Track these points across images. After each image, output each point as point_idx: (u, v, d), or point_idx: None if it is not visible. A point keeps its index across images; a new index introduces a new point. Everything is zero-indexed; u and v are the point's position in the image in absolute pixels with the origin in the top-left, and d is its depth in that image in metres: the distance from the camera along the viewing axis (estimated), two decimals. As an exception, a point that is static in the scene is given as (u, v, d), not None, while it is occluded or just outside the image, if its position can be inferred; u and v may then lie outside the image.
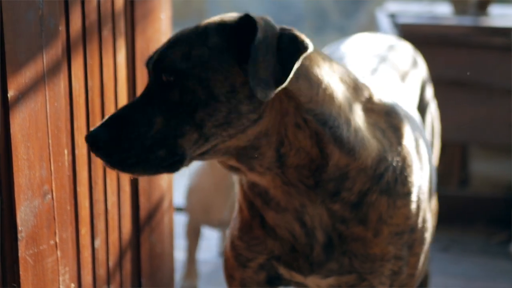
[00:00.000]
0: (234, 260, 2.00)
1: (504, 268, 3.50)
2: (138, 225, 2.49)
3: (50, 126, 1.96)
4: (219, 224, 3.18)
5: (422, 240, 1.99)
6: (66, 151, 2.05)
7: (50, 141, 1.96)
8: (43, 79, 1.92)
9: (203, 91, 1.70)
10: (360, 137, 1.84)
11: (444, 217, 3.40)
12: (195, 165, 3.14)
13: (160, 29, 2.49)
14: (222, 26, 1.75)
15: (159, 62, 1.75)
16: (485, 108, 3.86)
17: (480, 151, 3.99)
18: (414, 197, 1.93)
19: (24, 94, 1.86)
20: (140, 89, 2.38)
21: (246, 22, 1.73)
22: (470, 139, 3.92)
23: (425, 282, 2.64)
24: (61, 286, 2.05)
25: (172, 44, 1.76)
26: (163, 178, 2.58)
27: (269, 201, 1.88)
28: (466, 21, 3.99)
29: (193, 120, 1.70)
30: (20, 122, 1.85)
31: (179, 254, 3.17)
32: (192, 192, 3.20)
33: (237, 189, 2.02)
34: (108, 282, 2.39)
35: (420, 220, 1.95)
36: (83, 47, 2.13)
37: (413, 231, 1.94)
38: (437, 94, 3.89)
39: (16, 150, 1.84)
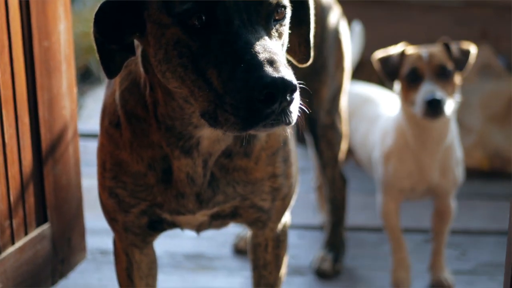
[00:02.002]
0: (117, 205, 1.98)
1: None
2: (40, 157, 2.41)
3: None
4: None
5: (294, 148, 2.08)
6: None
7: None
8: None
9: None
10: None
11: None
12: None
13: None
14: None
15: None
16: (405, 24, 3.83)
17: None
18: None
19: None
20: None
21: None
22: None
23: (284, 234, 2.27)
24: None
25: None
26: (65, 107, 2.49)
27: (192, 150, 1.85)
28: None
29: None
30: None
31: (88, 181, 3.08)
32: None
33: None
34: (11, 217, 2.32)
35: (289, 130, 1.97)
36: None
37: (285, 144, 2.00)
38: (357, 13, 3.84)
39: None
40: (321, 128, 2.79)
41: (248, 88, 1.52)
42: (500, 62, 3.99)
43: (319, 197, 3.38)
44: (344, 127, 2.88)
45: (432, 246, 2.91)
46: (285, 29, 1.70)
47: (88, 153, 3.01)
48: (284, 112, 1.56)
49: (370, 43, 3.58)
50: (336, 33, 2.71)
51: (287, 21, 1.70)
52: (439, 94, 2.58)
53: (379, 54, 2.81)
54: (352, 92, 3.21)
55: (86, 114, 4.61)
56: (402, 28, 3.77)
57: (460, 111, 3.77)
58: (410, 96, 2.67)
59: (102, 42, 1.71)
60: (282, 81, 1.51)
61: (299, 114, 1.63)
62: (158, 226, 2.03)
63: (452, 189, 2.82)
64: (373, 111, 3.08)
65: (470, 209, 3.48)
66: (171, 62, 1.63)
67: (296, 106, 1.59)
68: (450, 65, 2.65)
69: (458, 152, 2.81)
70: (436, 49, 2.69)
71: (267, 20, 1.64)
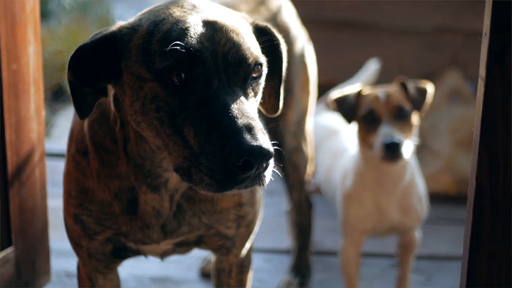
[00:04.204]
0: (82, 231, 1.98)
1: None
2: (6, 180, 2.41)
3: None
4: None
5: None
6: None
7: None
8: None
9: None
10: None
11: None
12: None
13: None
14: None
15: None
16: (375, 49, 3.85)
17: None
18: None
19: None
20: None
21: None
22: (360, 80, 3.93)
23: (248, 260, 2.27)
24: None
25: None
26: (33, 130, 2.49)
27: (159, 187, 1.87)
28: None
29: None
30: None
31: (56, 202, 3.06)
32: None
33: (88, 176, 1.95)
34: (-26, 240, 2.31)
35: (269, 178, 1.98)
36: None
37: None
38: (326, 36, 3.87)
39: None
40: (287, 151, 2.81)
41: (225, 153, 1.56)
42: (469, 87, 4.04)
43: (290, 221, 3.39)
44: (310, 150, 2.90)
45: (397, 272, 2.91)
46: (261, 87, 1.75)
47: (57, 173, 2.99)
48: (259, 177, 1.61)
49: (339, 67, 3.61)
50: (301, 57, 2.74)
51: (263, 78, 1.75)
52: (397, 137, 2.54)
53: (336, 94, 2.79)
54: (319, 123, 3.21)
55: (57, 133, 4.59)
56: (372, 52, 3.79)
57: (428, 136, 3.81)
58: (368, 139, 2.63)
59: (76, 85, 1.73)
60: (260, 150, 1.56)
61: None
62: (122, 253, 2.04)
63: (415, 225, 2.80)
64: (338, 144, 3.05)
65: (437, 234, 3.50)
66: (148, 115, 1.66)
67: (270, 170, 1.64)
68: (407, 106, 2.61)
69: (420, 189, 2.77)
70: (393, 90, 2.66)
71: (244, 80, 1.68)
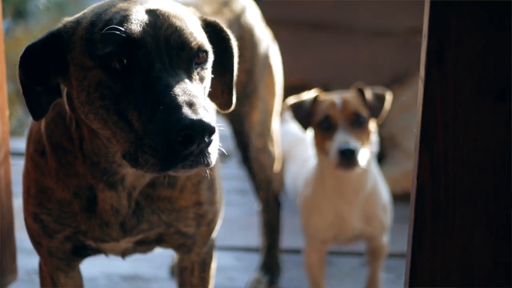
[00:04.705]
0: (41, 230, 2.00)
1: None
2: (-31, 179, 2.43)
3: None
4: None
5: (219, 174, 2.12)
6: None
7: None
8: None
9: None
10: None
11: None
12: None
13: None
14: None
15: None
16: (349, 49, 3.87)
17: (343, 90, 4.01)
18: None
19: None
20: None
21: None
22: (333, 80, 3.94)
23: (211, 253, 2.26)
24: None
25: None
26: (-4, 130, 2.51)
27: (116, 184, 1.88)
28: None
29: None
30: None
31: (18, 202, 3.08)
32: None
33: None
34: None
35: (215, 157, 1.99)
36: None
37: (210, 171, 2.02)
38: (300, 36, 3.89)
39: None
40: (253, 151, 2.83)
41: (166, 129, 1.56)
42: (444, 87, 4.05)
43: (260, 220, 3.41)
44: (276, 150, 2.92)
45: (368, 271, 2.91)
46: (207, 72, 1.76)
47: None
48: (203, 154, 1.61)
49: (313, 67, 3.63)
50: (266, 58, 2.76)
51: (209, 65, 1.76)
52: (353, 144, 2.49)
53: (291, 99, 2.75)
54: (288, 131, 3.21)
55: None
56: (345, 53, 3.81)
57: (401, 136, 3.83)
58: (323, 145, 2.58)
59: (27, 85, 1.75)
60: (200, 123, 1.56)
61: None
62: (82, 251, 2.06)
63: (380, 234, 2.75)
64: (304, 152, 3.02)
65: (406, 232, 3.51)
66: (93, 104, 1.68)
67: (215, 148, 1.64)
68: (364, 112, 2.57)
69: (383, 197, 2.72)
70: (350, 95, 2.62)
71: (188, 64, 1.69)
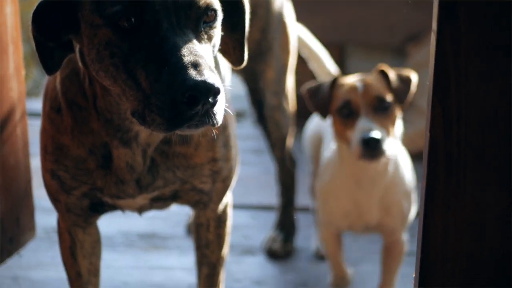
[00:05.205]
0: (59, 186, 2.03)
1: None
2: (-14, 138, 2.45)
3: None
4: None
5: (233, 132, 2.12)
6: None
7: None
8: None
9: None
10: None
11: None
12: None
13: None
14: None
15: None
16: (363, 8, 3.85)
17: (358, 50, 4.00)
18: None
19: None
20: None
21: None
22: (348, 40, 3.93)
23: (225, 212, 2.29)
24: None
25: None
26: (12, 89, 2.53)
27: (130, 141, 1.90)
28: None
29: None
30: None
31: (36, 161, 3.11)
32: None
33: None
34: (-43, 197, 2.37)
35: (228, 115, 1.99)
36: None
37: (225, 128, 2.05)
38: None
39: None
40: (268, 109, 2.83)
41: (171, 90, 1.58)
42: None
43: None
44: (292, 108, 2.92)
45: (381, 276, 2.67)
46: (216, 31, 1.75)
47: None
48: (208, 114, 1.62)
49: (328, 27, 3.61)
50: (280, 15, 2.75)
51: (218, 23, 1.75)
52: (377, 132, 2.29)
53: (308, 84, 2.55)
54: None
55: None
56: (360, 12, 3.80)
57: (416, 94, 3.82)
58: (344, 134, 2.37)
59: (40, 40, 1.76)
60: (204, 84, 1.57)
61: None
62: (99, 208, 2.09)
63: (400, 227, 2.54)
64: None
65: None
66: (103, 62, 1.69)
67: (221, 108, 1.65)
68: (389, 97, 2.37)
69: (406, 185, 2.51)
70: (372, 78, 2.41)
71: (196, 23, 1.69)
